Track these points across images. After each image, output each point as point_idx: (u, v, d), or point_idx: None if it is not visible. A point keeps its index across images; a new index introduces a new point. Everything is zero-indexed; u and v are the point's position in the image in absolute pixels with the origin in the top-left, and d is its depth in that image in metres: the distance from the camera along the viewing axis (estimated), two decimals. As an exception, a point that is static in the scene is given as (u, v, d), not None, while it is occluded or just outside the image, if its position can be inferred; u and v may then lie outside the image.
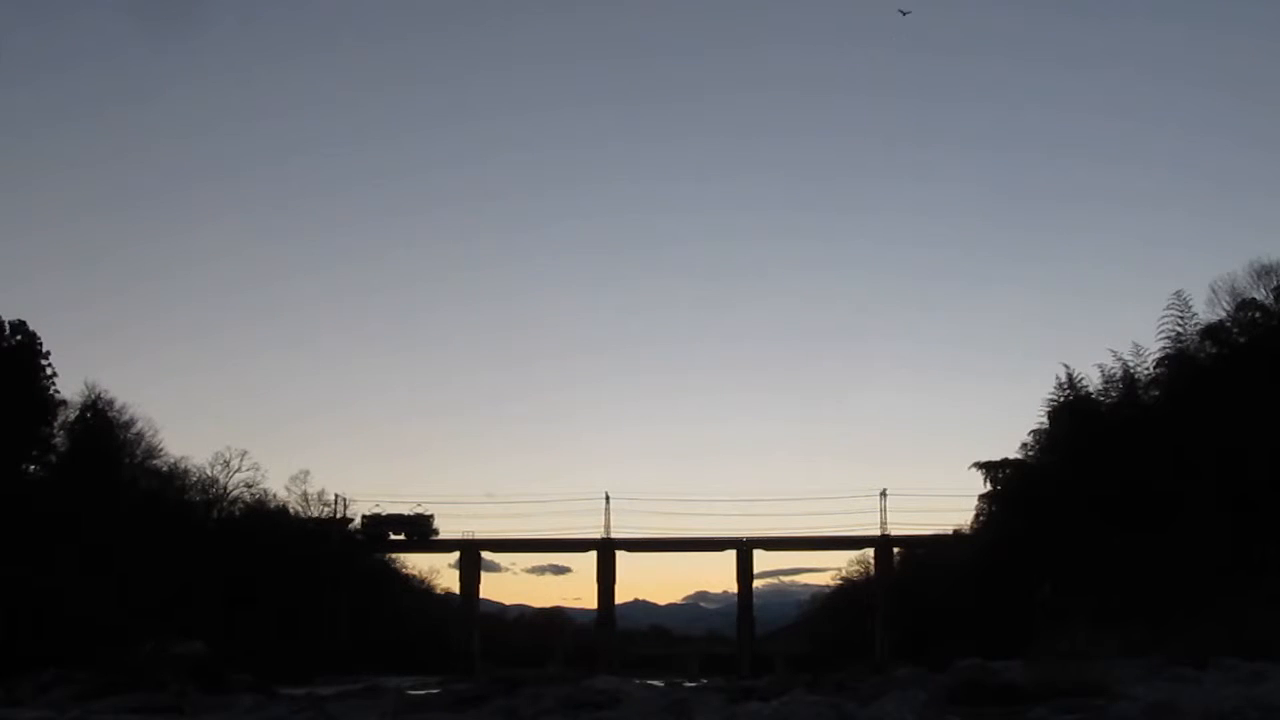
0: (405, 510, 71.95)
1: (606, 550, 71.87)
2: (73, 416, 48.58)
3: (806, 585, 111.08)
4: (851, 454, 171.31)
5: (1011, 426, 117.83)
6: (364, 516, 71.38)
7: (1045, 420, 46.49)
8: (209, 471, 58.39)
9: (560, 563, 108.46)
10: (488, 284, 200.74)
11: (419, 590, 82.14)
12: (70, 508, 41.34)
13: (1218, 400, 34.30)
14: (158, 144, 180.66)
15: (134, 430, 51.97)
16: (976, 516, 53.69)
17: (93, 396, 49.62)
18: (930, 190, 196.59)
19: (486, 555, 76.69)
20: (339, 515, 68.48)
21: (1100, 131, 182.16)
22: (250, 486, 59.93)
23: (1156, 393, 41.12)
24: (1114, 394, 43.68)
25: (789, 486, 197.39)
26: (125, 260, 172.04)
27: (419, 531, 71.97)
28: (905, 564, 68.12)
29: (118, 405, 50.96)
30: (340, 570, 61.84)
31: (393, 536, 72.37)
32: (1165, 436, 35.99)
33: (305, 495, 65.63)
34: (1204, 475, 33.38)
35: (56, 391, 47.34)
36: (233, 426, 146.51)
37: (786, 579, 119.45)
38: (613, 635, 74.32)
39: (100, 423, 49.63)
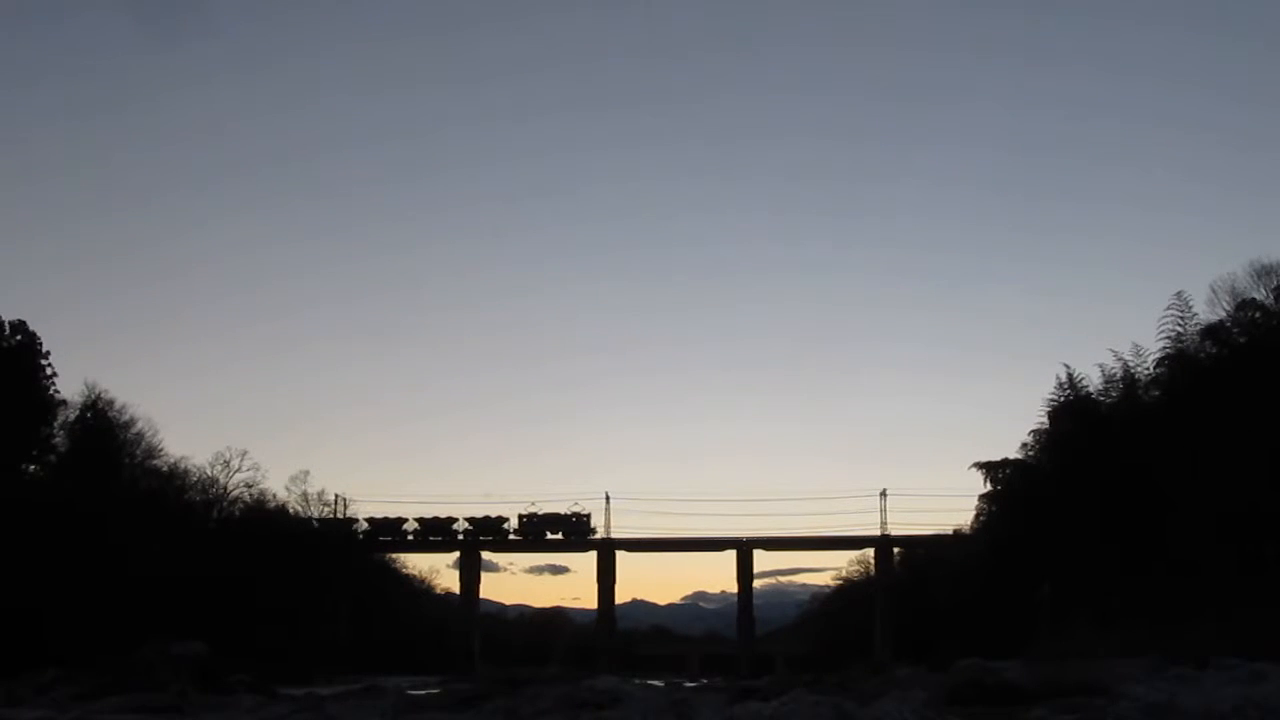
0: (563, 509, 71.75)
1: (606, 550, 71.87)
2: (73, 416, 48.51)
3: (806, 585, 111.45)
4: (851, 454, 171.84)
5: (1011, 426, 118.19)
6: (521, 516, 71.37)
7: (1045, 420, 46.41)
8: (209, 471, 58.48)
9: (560, 563, 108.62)
10: (488, 284, 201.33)
11: (419, 590, 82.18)
12: (70, 508, 41.33)
13: (1218, 400, 34.25)
14: (158, 144, 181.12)
15: (134, 430, 51.91)
16: (976, 516, 53.64)
17: (93, 396, 49.58)
18: (930, 191, 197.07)
19: (486, 555, 76.69)
20: (338, 515, 68.57)
21: (1100, 132, 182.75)
22: (250, 486, 59.99)
23: (1157, 393, 41.02)
24: (1114, 394, 43.58)
25: (789, 486, 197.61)
26: (125, 260, 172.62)
27: (577, 530, 71.55)
28: (905, 564, 68.12)
29: (118, 405, 50.92)
30: (340, 570, 61.83)
31: (550, 536, 72.10)
32: (1165, 436, 35.94)
33: (305, 495, 65.82)
34: (1204, 475, 33.34)
35: (56, 391, 47.27)
36: (233, 426, 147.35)
37: (785, 579, 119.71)
38: (613, 635, 74.33)
39: (100, 423, 49.53)
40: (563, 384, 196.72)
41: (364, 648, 59.08)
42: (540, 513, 71.50)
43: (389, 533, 71.62)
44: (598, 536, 71.91)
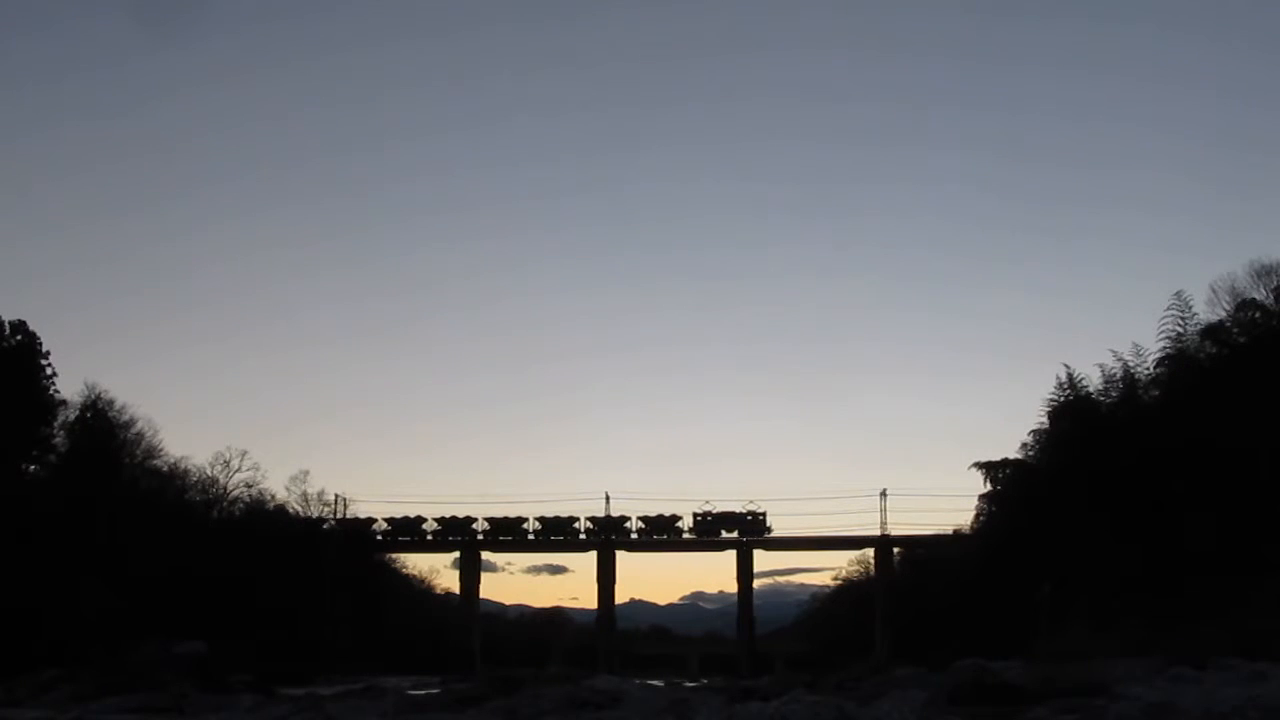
0: (738, 508, 70.93)
1: (606, 550, 71.80)
2: (73, 416, 48.49)
3: (805, 585, 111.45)
4: (851, 454, 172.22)
5: (1011, 426, 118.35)
6: (695, 514, 70.76)
7: (1045, 420, 46.41)
8: (209, 471, 58.52)
9: (559, 563, 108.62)
10: (488, 285, 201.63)
11: (419, 590, 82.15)
12: (70, 508, 41.32)
13: (1218, 400, 34.27)
14: (158, 145, 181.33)
15: (134, 430, 51.90)
16: (976, 516, 53.62)
17: (93, 396, 49.53)
18: (930, 192, 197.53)
19: (486, 555, 76.57)
20: (338, 515, 68.53)
21: (1100, 133, 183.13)
22: (250, 486, 60.04)
23: (1156, 393, 41.04)
24: (1114, 394, 43.58)
25: (789, 486, 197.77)
26: (126, 261, 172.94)
27: (753, 529, 70.59)
28: (905, 564, 68.07)
29: (118, 405, 50.89)
30: (341, 570, 61.79)
31: (724, 534, 71.36)
32: (1165, 436, 35.94)
33: (305, 495, 65.71)
34: (1204, 475, 33.35)
35: (56, 391, 47.27)
36: (233, 426, 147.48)
37: (785, 579, 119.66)
38: (613, 635, 74.25)
39: (100, 423, 49.50)
40: (563, 384, 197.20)
41: (364, 648, 59.04)
42: (715, 511, 70.77)
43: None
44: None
